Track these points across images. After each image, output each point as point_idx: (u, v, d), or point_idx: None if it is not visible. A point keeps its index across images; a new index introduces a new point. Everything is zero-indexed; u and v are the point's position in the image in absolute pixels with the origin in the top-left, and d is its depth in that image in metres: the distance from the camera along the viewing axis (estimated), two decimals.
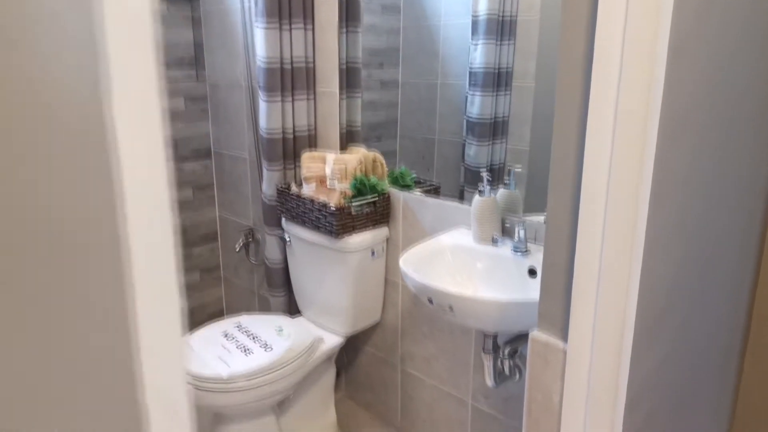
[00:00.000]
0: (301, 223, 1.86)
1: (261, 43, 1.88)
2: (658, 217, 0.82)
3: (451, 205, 1.68)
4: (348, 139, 2.01)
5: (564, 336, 0.92)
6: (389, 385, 2.02)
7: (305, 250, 1.90)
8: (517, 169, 1.54)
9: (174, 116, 2.41)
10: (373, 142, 1.96)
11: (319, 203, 1.76)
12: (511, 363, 1.48)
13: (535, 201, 1.51)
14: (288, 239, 1.96)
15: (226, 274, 2.70)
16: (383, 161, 1.90)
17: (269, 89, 1.91)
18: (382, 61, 1.89)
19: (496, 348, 1.46)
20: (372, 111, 1.95)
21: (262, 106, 1.93)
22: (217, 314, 2.73)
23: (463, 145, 1.67)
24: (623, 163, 0.78)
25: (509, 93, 1.54)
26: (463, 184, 1.70)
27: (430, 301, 1.33)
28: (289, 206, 1.90)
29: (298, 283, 2.01)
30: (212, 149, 2.56)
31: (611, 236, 0.81)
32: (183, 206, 2.51)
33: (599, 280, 0.83)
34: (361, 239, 1.78)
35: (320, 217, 1.76)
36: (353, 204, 1.75)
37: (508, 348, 1.46)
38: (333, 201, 1.80)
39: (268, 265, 2.11)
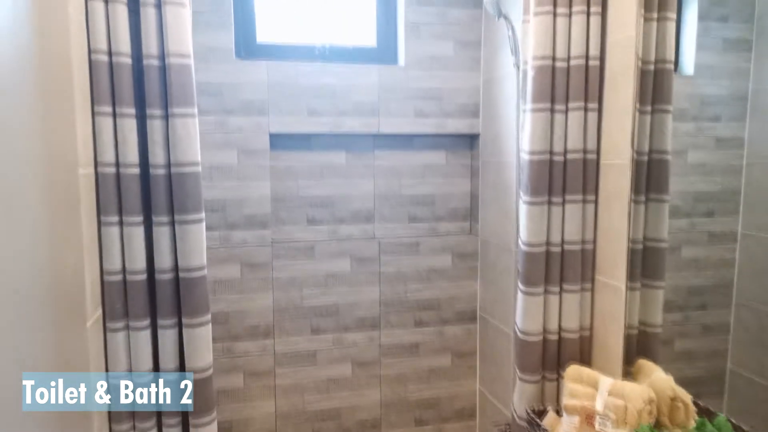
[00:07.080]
0: None
1: (523, 221, 1.52)
2: None
3: None
4: (639, 349, 1.44)
5: None
6: None
7: None
8: None
9: (438, 273, 2.18)
10: (692, 310, 1.46)
11: None
12: None
13: None
14: None
15: None
16: (688, 402, 1.28)
17: (529, 280, 1.51)
18: (711, 209, 1.46)
19: None
20: (694, 270, 1.47)
21: (520, 298, 1.53)
22: None
23: None
24: None
25: None
26: None
27: None
28: None
29: None
30: (478, 313, 2.24)
31: None
32: (438, 374, 2.22)
33: None
34: None
35: None
36: None
37: None
38: None
39: None
